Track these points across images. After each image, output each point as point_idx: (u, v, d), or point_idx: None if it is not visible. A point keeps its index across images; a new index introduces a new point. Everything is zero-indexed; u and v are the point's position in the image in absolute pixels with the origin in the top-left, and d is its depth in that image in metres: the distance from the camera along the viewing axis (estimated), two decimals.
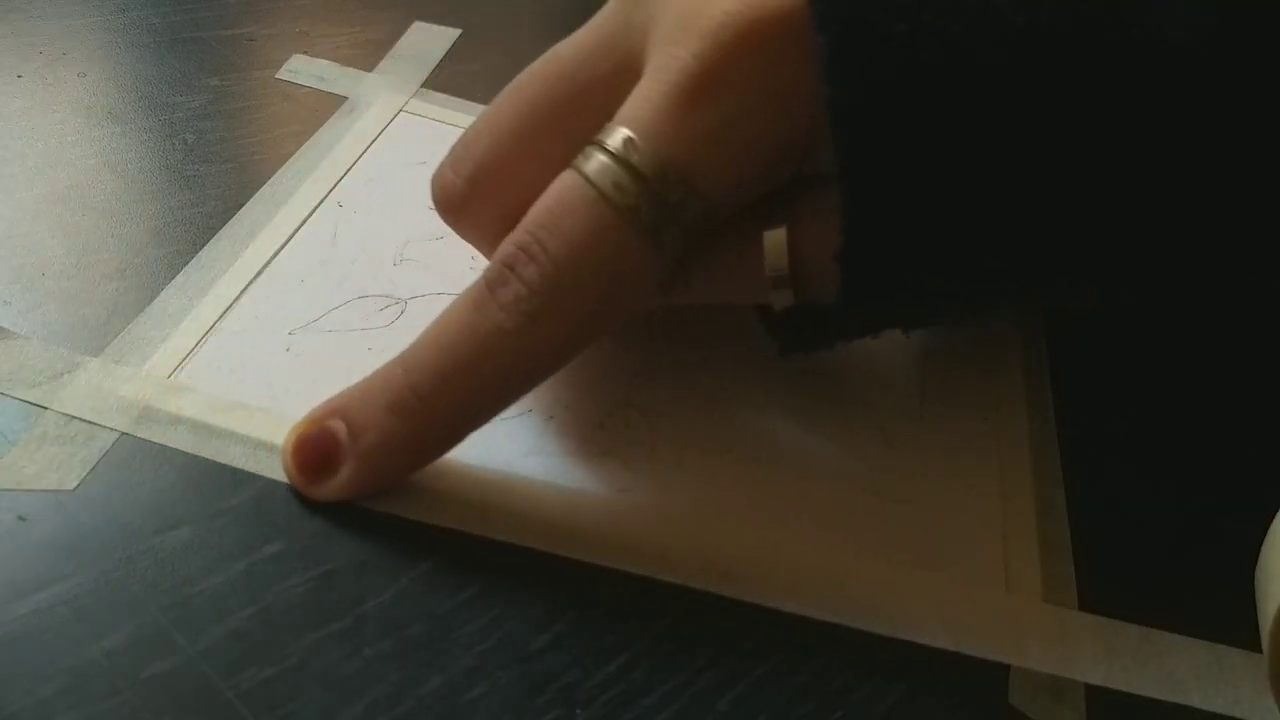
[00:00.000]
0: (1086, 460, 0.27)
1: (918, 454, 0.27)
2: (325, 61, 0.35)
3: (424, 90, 0.35)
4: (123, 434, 0.23)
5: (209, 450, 0.23)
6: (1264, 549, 0.21)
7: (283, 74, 0.34)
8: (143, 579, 0.20)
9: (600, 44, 0.23)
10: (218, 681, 0.19)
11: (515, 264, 0.21)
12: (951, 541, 0.25)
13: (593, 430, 0.25)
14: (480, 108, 0.35)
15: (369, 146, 0.32)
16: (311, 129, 0.32)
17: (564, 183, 0.21)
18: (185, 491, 0.22)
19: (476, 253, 0.29)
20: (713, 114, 0.21)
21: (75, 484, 0.22)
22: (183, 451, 0.23)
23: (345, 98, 0.34)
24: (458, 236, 0.25)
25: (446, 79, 0.36)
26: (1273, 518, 0.21)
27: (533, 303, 0.21)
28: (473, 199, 0.24)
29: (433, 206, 0.25)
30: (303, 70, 0.35)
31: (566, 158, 0.22)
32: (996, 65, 0.20)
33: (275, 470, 0.23)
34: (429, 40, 0.38)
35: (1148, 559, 0.25)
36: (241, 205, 0.29)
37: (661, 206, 0.21)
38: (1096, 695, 0.22)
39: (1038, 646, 0.22)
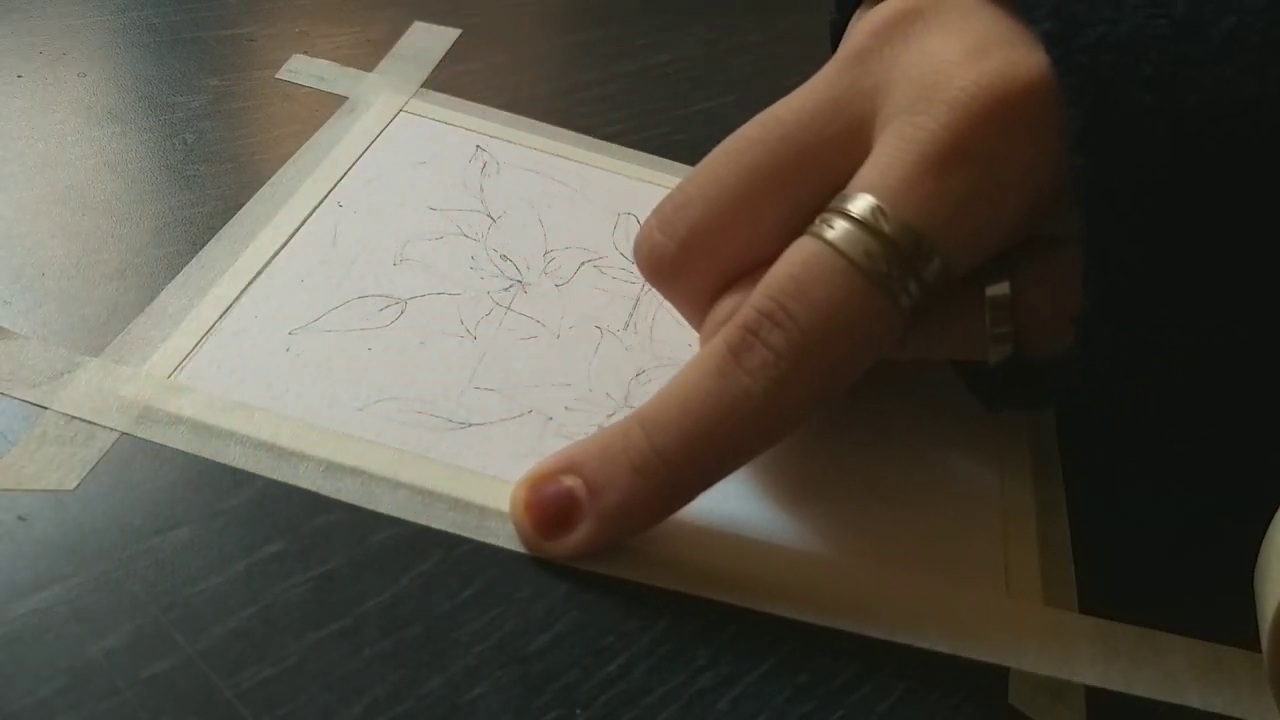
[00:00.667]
0: (1086, 460, 0.27)
1: (917, 455, 0.27)
2: (325, 61, 0.35)
3: (424, 90, 0.35)
4: (123, 434, 0.23)
5: (209, 450, 0.23)
6: (1263, 549, 0.21)
7: (283, 74, 0.34)
8: (143, 579, 0.20)
9: (824, 108, 0.23)
10: (218, 681, 0.19)
11: (760, 330, 0.21)
12: (951, 543, 0.25)
13: (593, 431, 0.25)
14: (480, 107, 0.35)
15: (369, 146, 0.32)
16: (311, 129, 0.32)
17: (808, 250, 0.22)
18: (185, 491, 0.22)
19: (475, 252, 0.29)
20: (961, 183, 0.21)
21: (75, 484, 0.22)
22: (183, 451, 0.23)
23: (345, 98, 0.34)
24: (663, 294, 0.25)
25: (446, 79, 0.36)
26: (1272, 518, 0.21)
27: (780, 368, 0.21)
28: (685, 262, 0.24)
29: (638, 268, 0.25)
30: (303, 70, 0.35)
31: (786, 221, 0.23)
32: (1231, 136, 0.20)
33: (275, 470, 0.23)
34: (429, 40, 0.38)
35: (1148, 559, 0.25)
36: (241, 205, 0.29)
37: (910, 273, 0.21)
38: (1096, 695, 0.22)
39: (1036, 649, 0.22)
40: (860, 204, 0.21)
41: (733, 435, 0.21)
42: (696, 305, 0.25)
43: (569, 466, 0.22)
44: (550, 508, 0.22)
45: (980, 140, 0.21)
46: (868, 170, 0.22)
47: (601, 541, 0.22)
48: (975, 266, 0.22)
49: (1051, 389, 0.24)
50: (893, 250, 0.21)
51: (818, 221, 0.22)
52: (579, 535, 0.22)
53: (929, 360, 0.25)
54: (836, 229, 0.21)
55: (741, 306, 0.22)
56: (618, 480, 0.22)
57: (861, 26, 0.24)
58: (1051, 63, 0.21)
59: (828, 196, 0.23)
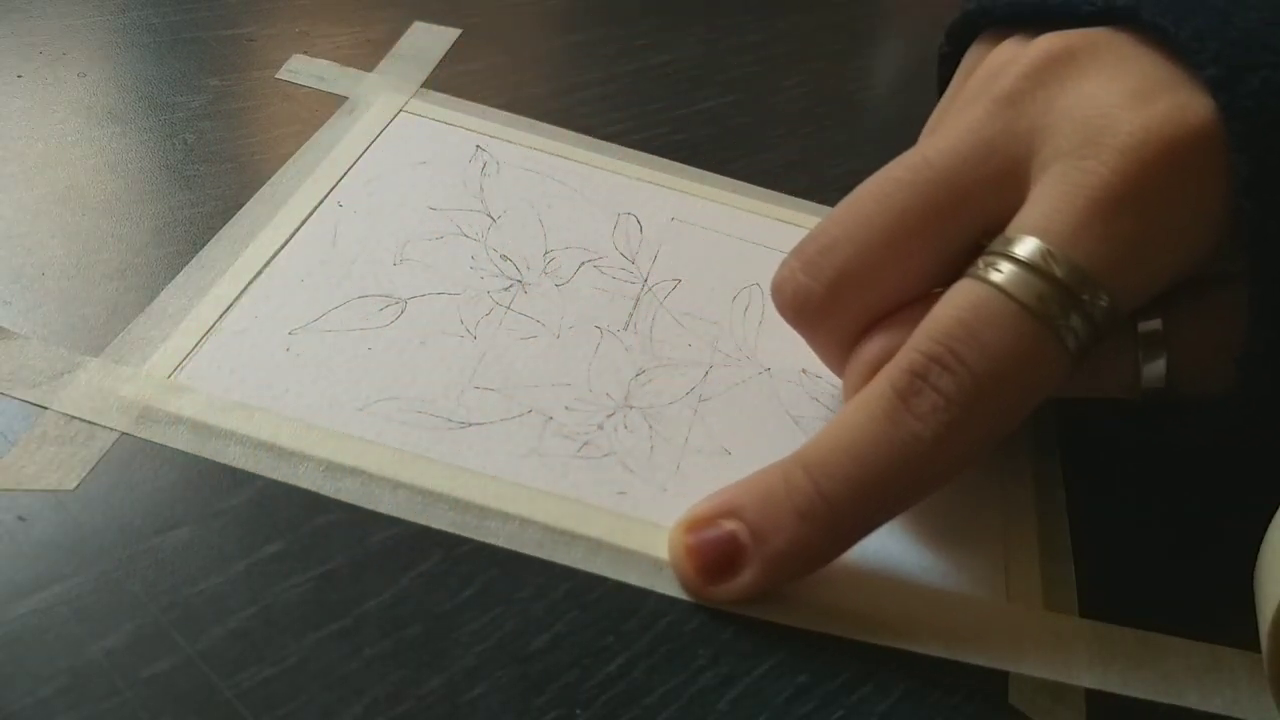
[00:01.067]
0: (1086, 461, 0.27)
1: None
2: (325, 61, 0.35)
3: (424, 90, 0.35)
4: (123, 434, 0.23)
5: (209, 450, 0.23)
6: (1263, 549, 0.21)
7: (283, 74, 0.34)
8: (143, 579, 0.20)
9: (976, 150, 0.23)
10: (218, 681, 0.19)
11: (928, 374, 0.21)
12: (951, 545, 0.25)
13: (592, 431, 0.25)
14: (480, 107, 0.35)
15: (369, 146, 0.32)
16: (311, 129, 0.32)
17: (975, 293, 0.21)
18: (185, 491, 0.22)
19: (476, 252, 0.29)
20: (1132, 227, 0.21)
21: (75, 484, 0.22)
22: (183, 451, 0.23)
23: (345, 98, 0.34)
24: (798, 333, 0.25)
25: (446, 79, 0.36)
26: (1272, 518, 0.21)
27: (950, 413, 0.21)
28: (832, 304, 0.24)
29: (779, 310, 0.25)
30: (303, 70, 0.35)
31: (935, 262, 0.23)
32: None
33: (275, 470, 0.23)
34: (429, 40, 0.38)
35: (1148, 560, 0.25)
36: (241, 205, 0.29)
37: (1082, 317, 0.21)
38: (1096, 695, 0.22)
39: (1034, 654, 0.22)
40: (1027, 247, 0.21)
41: (901, 481, 0.21)
42: (839, 347, 0.25)
43: (729, 510, 0.22)
44: (713, 553, 0.22)
45: (1150, 185, 0.21)
46: (1031, 213, 0.22)
47: (766, 587, 0.22)
48: (1140, 305, 0.23)
49: (1202, 426, 0.24)
50: (1064, 293, 0.21)
51: (981, 265, 0.22)
52: (744, 581, 0.22)
53: (1076, 397, 0.25)
54: (1004, 272, 0.21)
55: (900, 349, 0.22)
56: (783, 525, 0.21)
57: (1010, 68, 0.24)
58: (1218, 108, 0.21)
59: (976, 237, 0.23)
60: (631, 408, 0.26)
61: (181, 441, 0.23)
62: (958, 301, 0.22)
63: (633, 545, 0.23)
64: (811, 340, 0.25)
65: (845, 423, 0.22)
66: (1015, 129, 0.23)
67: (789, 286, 0.24)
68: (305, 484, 0.23)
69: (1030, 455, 0.27)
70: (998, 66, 0.25)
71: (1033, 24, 0.25)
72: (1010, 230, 0.22)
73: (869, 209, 0.24)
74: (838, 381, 0.28)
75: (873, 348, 0.24)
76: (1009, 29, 0.26)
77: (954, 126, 0.24)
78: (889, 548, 0.24)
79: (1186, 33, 0.22)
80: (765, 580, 0.22)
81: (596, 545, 0.23)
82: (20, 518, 0.21)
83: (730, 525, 0.22)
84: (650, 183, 0.33)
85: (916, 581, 0.24)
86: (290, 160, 0.31)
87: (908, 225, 0.23)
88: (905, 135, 0.32)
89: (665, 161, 0.34)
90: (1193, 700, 0.22)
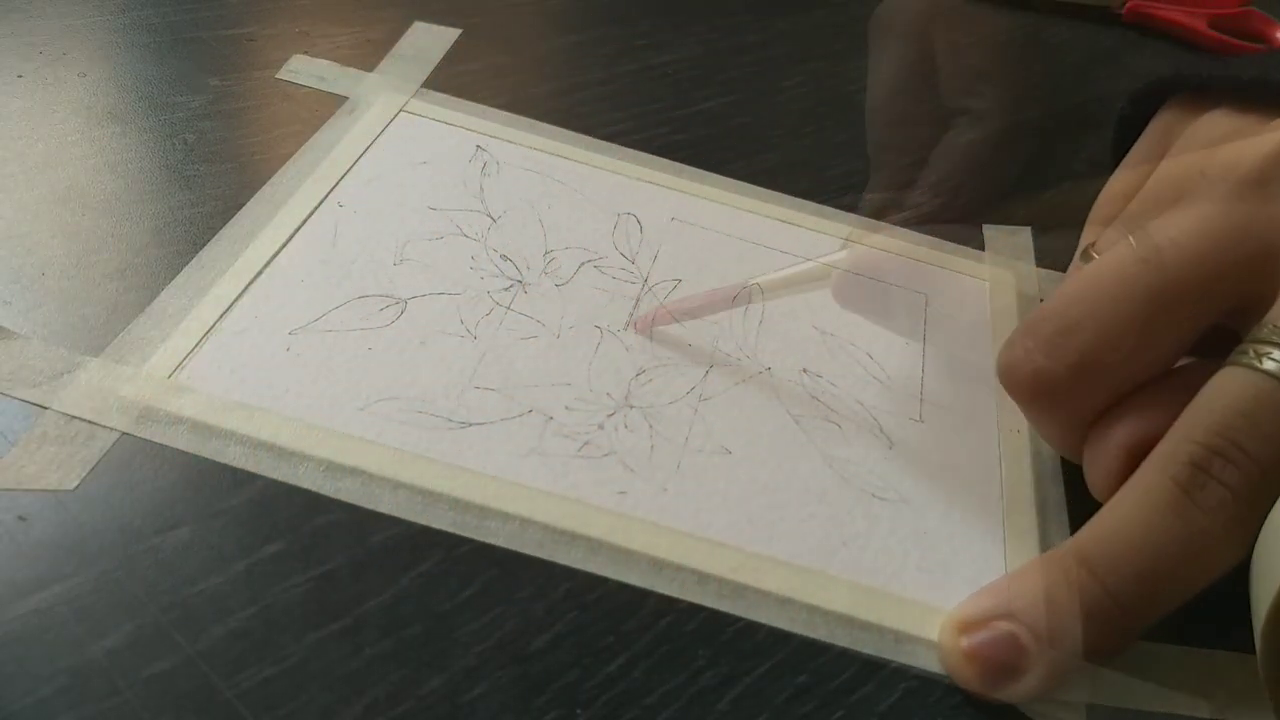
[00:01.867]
0: None
1: (917, 454, 0.27)
2: (325, 61, 0.35)
3: (424, 90, 0.35)
4: (123, 434, 0.23)
5: (209, 450, 0.23)
6: (1257, 550, 0.21)
7: (283, 74, 0.34)
8: (143, 579, 0.20)
9: (1226, 233, 0.23)
10: (218, 681, 0.19)
11: (1210, 467, 0.21)
12: (951, 544, 0.25)
13: (593, 431, 0.25)
14: (480, 107, 0.35)
15: (369, 146, 0.32)
16: (311, 129, 0.32)
17: (1251, 383, 0.21)
18: (185, 491, 0.22)
19: (475, 252, 0.29)
20: None
21: (75, 484, 0.22)
22: (183, 451, 0.23)
23: (345, 98, 0.34)
24: (1027, 411, 0.25)
25: (446, 79, 0.36)
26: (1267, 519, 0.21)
27: (1238, 506, 0.21)
28: (1074, 387, 0.23)
29: (1010, 391, 0.25)
30: (303, 70, 0.35)
31: (1180, 343, 0.23)
32: None
33: (275, 470, 0.23)
34: (429, 40, 0.38)
35: None
36: (241, 205, 0.29)
37: None
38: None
39: None
40: None
41: (1189, 574, 0.21)
42: (1076, 428, 0.24)
43: (1004, 610, 0.22)
44: (996, 659, 0.21)
45: None
46: None
47: (1053, 687, 0.21)
48: None
49: None
50: None
51: (1250, 352, 0.22)
52: (1028, 684, 0.21)
53: None
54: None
55: (1165, 438, 0.22)
56: (1069, 628, 0.21)
57: (1249, 149, 0.24)
58: None
59: (1218, 318, 0.23)
60: (632, 407, 0.26)
61: (182, 441, 0.23)
62: (1232, 390, 0.21)
63: (633, 545, 0.23)
64: (1045, 421, 0.25)
65: (1124, 517, 0.21)
66: (1265, 212, 0.23)
67: (1026, 368, 0.24)
68: (305, 484, 0.23)
69: (1030, 453, 0.27)
70: (1215, 139, 0.25)
71: (1232, 96, 0.25)
72: (1277, 318, 0.22)
73: (1112, 290, 0.23)
74: (838, 380, 0.28)
75: (1124, 432, 0.23)
76: (1205, 99, 0.26)
77: (1197, 210, 0.24)
78: (888, 553, 0.24)
79: None
80: (1052, 682, 0.21)
81: (596, 545, 0.23)
82: (20, 518, 0.21)
83: (1008, 627, 0.21)
84: (650, 183, 0.33)
85: (914, 594, 0.24)
86: (290, 160, 0.31)
87: (1154, 308, 0.23)
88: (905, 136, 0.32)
89: (665, 161, 0.34)
90: (1183, 707, 0.22)
